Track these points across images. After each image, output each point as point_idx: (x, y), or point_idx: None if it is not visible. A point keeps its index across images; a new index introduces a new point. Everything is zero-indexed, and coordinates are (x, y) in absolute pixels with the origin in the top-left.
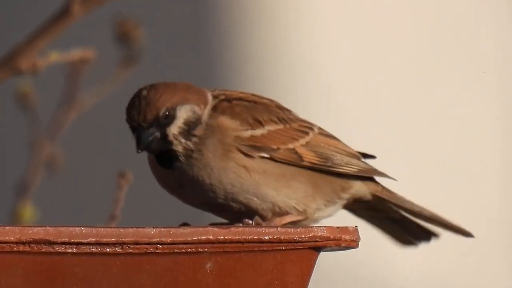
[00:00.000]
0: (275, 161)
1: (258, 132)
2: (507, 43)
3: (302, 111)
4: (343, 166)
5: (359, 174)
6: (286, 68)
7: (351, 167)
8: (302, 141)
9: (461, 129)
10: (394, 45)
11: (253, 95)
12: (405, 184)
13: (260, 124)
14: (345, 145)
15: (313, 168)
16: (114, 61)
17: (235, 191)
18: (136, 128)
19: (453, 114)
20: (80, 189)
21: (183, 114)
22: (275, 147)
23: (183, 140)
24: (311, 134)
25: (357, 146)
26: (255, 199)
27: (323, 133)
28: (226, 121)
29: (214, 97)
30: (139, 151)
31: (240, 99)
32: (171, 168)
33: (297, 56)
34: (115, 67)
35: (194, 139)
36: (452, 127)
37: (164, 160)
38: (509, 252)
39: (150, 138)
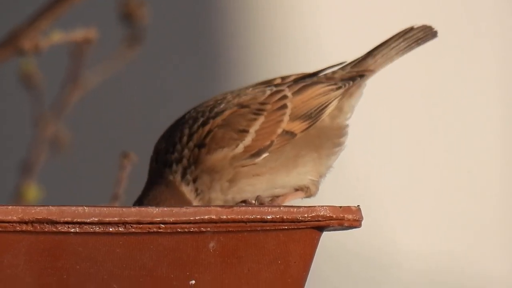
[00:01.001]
0: (275, 154)
1: (248, 140)
2: (508, 40)
3: None
4: (325, 109)
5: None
6: (290, 54)
7: (330, 107)
8: (286, 117)
9: (461, 120)
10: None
11: (215, 101)
12: (406, 179)
13: (245, 131)
14: (315, 87)
15: (309, 132)
16: (118, 40)
17: (249, 195)
18: None
19: (452, 110)
20: (83, 168)
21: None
22: (268, 142)
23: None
24: (288, 104)
25: (359, 140)
26: (275, 190)
27: (296, 91)
28: (215, 155)
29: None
30: None
31: (208, 132)
32: None
33: (300, 44)
34: (119, 46)
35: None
36: (451, 119)
37: None
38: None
39: None
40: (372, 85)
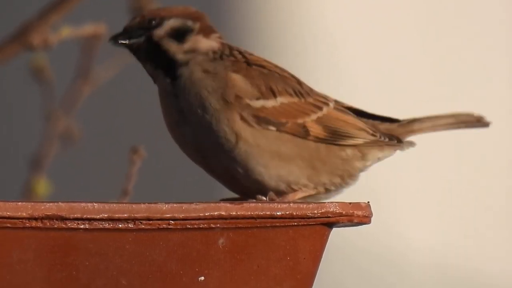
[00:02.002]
0: (279, 135)
1: (270, 104)
2: None
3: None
4: (348, 139)
5: (365, 145)
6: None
7: (356, 140)
8: (314, 116)
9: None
10: (402, 41)
11: (276, 66)
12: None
13: (273, 94)
14: (357, 120)
15: (321, 143)
16: None
17: (222, 154)
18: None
19: (463, 102)
20: (93, 163)
21: (171, 22)
22: (284, 120)
23: (172, 43)
24: (325, 109)
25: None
26: (241, 171)
27: (339, 109)
28: (237, 78)
29: (230, 48)
30: (109, 41)
31: (262, 66)
32: (174, 76)
33: (308, 40)
34: None
35: (187, 46)
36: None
37: (168, 69)
38: None
39: (121, 34)
40: (381, 86)
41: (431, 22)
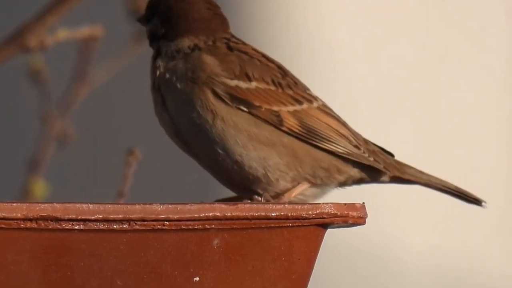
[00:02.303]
0: (254, 118)
1: (244, 85)
2: None
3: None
4: (326, 142)
5: (345, 156)
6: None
7: (335, 146)
8: (291, 107)
9: (470, 122)
10: (401, 42)
11: (263, 56)
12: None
13: (248, 78)
14: (341, 125)
15: (296, 138)
16: (125, 37)
17: (199, 134)
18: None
19: (461, 108)
20: (89, 165)
21: (152, 22)
22: (257, 104)
23: (150, 43)
24: (305, 104)
25: (363, 129)
26: (221, 152)
27: (323, 110)
28: (209, 59)
29: (224, 39)
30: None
31: (244, 52)
32: (155, 62)
33: (304, 39)
34: (126, 43)
35: (155, 50)
36: (459, 120)
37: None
38: None
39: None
40: (380, 86)
41: (430, 23)
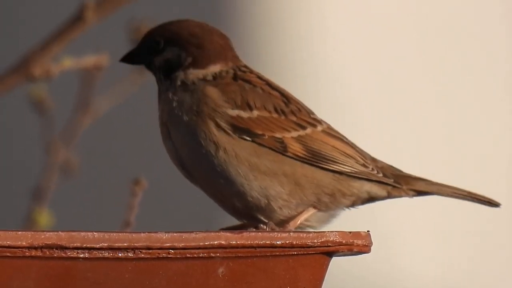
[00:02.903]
0: (256, 148)
1: (245, 114)
2: None
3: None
4: (332, 164)
5: (353, 175)
6: (294, 64)
7: (342, 166)
8: (294, 133)
9: (470, 122)
10: (402, 42)
11: (267, 84)
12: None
13: (249, 107)
14: (347, 146)
15: (302, 162)
16: (128, 67)
17: (202, 165)
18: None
19: (461, 108)
20: (94, 194)
21: (168, 53)
22: (260, 132)
23: (161, 76)
24: (309, 129)
25: (364, 141)
26: (223, 182)
27: (328, 132)
28: (212, 91)
29: (237, 67)
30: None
31: (247, 81)
32: (159, 99)
33: (308, 52)
34: (129, 73)
35: (175, 82)
36: (460, 121)
37: (158, 91)
38: None
39: (132, 53)
40: (380, 87)
41: (431, 23)
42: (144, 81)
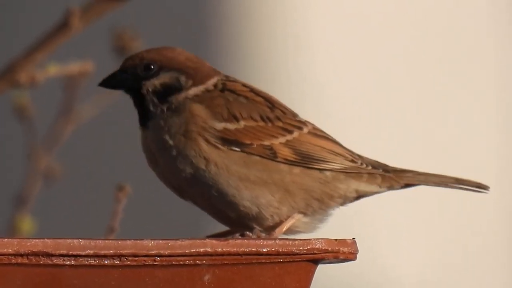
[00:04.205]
0: (245, 158)
1: (232, 126)
2: (506, 42)
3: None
4: (322, 163)
5: (342, 171)
6: (280, 72)
7: (332, 165)
8: (282, 139)
9: (457, 130)
10: (389, 47)
11: (251, 90)
12: None
13: (236, 119)
14: (334, 145)
15: (293, 166)
16: (111, 73)
17: (194, 181)
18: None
19: (448, 115)
20: (77, 201)
21: (165, 77)
22: (248, 142)
23: (155, 100)
24: (296, 132)
25: (359, 140)
26: (215, 194)
27: (314, 133)
28: (197, 109)
29: (222, 79)
30: (104, 85)
31: (233, 91)
32: (145, 126)
33: (291, 57)
34: None
35: (166, 105)
36: (447, 128)
37: (142, 118)
38: (509, 261)
39: (114, 77)
40: (366, 90)
41: (428, 20)
42: None
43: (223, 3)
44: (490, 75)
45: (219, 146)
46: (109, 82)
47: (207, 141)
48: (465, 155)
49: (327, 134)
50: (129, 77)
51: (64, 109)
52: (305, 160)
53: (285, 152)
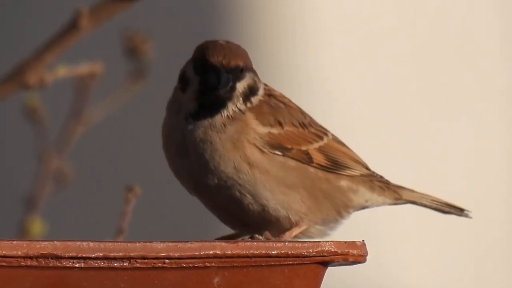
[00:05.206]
0: (284, 161)
1: (276, 131)
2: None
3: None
4: (347, 169)
5: (361, 178)
6: (289, 79)
7: (354, 171)
8: (316, 144)
9: (465, 135)
10: (389, 47)
11: (283, 96)
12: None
13: (280, 125)
14: (352, 152)
15: (325, 171)
16: (122, 75)
17: (230, 181)
18: (216, 69)
19: (455, 121)
20: (88, 203)
21: (248, 78)
22: (289, 146)
23: (240, 100)
24: (325, 139)
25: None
26: (248, 196)
27: (336, 140)
28: (251, 119)
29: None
30: (219, 88)
31: (275, 97)
32: (198, 118)
33: (300, 66)
34: (123, 81)
35: (248, 105)
36: (455, 133)
37: (205, 109)
38: None
39: (230, 83)
40: (379, 84)
41: (428, 21)
42: (138, 90)
43: (232, 5)
44: (490, 75)
45: (265, 150)
46: (224, 86)
47: (256, 147)
48: (465, 155)
49: (342, 141)
50: (228, 78)
51: (75, 111)
52: (334, 166)
53: (319, 158)
